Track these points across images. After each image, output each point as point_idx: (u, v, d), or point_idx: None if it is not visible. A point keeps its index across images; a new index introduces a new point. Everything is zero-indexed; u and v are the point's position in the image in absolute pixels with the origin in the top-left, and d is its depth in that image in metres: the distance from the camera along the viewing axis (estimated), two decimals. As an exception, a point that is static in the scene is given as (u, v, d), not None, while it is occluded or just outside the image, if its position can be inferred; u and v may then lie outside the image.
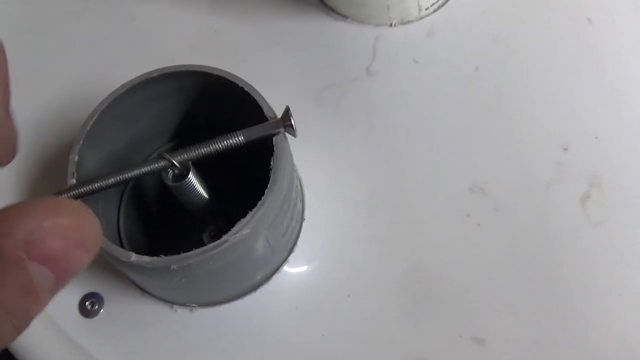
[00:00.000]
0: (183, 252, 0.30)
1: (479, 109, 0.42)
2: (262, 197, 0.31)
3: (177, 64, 0.41)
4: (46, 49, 0.47)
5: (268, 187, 0.31)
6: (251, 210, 0.31)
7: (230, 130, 0.36)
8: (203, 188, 0.34)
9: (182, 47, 0.46)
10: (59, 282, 0.21)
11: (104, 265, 0.38)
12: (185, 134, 0.40)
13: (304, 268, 0.38)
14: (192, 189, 0.34)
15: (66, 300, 0.38)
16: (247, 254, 0.32)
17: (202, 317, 0.37)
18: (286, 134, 0.32)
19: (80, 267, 0.21)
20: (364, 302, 0.38)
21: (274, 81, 0.44)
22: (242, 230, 0.30)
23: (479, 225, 0.40)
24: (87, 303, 0.38)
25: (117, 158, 0.37)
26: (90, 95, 0.43)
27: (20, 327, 0.20)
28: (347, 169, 0.41)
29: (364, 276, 0.38)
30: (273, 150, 0.32)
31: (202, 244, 0.38)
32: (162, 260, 0.30)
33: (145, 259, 0.30)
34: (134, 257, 0.30)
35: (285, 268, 0.38)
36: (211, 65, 0.35)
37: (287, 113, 0.32)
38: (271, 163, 0.32)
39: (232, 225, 0.38)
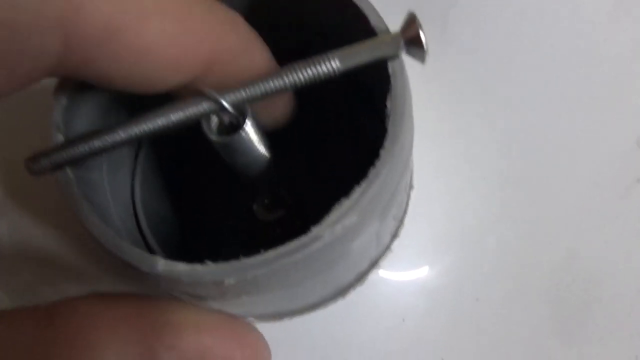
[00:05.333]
0: (234, 242, 0.24)
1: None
2: (376, 163, 0.19)
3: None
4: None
5: (385, 147, 0.19)
6: (358, 184, 0.19)
7: (303, 50, 0.24)
8: (262, 142, 0.23)
9: None
10: None
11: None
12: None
13: (411, 261, 0.28)
14: (248, 145, 0.22)
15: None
16: (345, 253, 0.20)
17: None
18: (408, 57, 0.20)
19: None
20: (499, 310, 0.28)
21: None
22: (344, 218, 0.18)
23: (655, 195, 0.29)
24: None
25: (126, 98, 0.25)
26: None
27: None
28: (462, 113, 0.29)
29: (497, 273, 0.28)
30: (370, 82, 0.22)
31: (254, 218, 0.28)
32: (209, 271, 0.19)
33: (181, 267, 0.19)
34: (161, 264, 0.19)
35: (386, 262, 0.26)
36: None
37: (412, 23, 0.20)
38: (387, 106, 0.20)
39: (295, 193, 0.29)
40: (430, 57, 0.25)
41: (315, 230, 0.18)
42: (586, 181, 0.29)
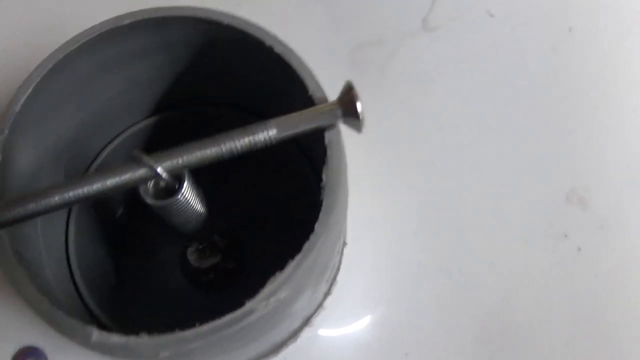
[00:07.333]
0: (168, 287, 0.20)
1: (574, 82, 0.32)
2: (311, 237, 0.19)
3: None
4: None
5: (320, 220, 0.20)
6: (292, 258, 0.19)
7: (240, 110, 0.24)
8: (199, 201, 0.23)
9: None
10: None
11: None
12: (167, 108, 0.28)
13: (343, 318, 0.27)
14: (185, 206, 0.22)
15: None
16: (278, 321, 0.21)
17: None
18: (344, 126, 0.21)
19: None
20: (428, 363, 0.26)
21: (292, 33, 0.31)
22: (278, 292, 0.18)
23: (579, 249, 0.30)
24: (21, 363, 0.25)
25: (64, 148, 0.25)
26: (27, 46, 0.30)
27: None
28: (395, 167, 0.30)
29: (426, 325, 0.28)
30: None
31: (186, 264, 0.28)
32: (143, 343, 0.18)
33: (115, 339, 0.18)
34: (95, 334, 0.18)
35: (319, 319, 0.26)
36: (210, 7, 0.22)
37: (349, 92, 0.20)
38: (323, 177, 0.20)
39: (229, 238, 0.29)
40: (366, 102, 0.26)
41: (248, 305, 0.18)
42: (517, 235, 0.29)
